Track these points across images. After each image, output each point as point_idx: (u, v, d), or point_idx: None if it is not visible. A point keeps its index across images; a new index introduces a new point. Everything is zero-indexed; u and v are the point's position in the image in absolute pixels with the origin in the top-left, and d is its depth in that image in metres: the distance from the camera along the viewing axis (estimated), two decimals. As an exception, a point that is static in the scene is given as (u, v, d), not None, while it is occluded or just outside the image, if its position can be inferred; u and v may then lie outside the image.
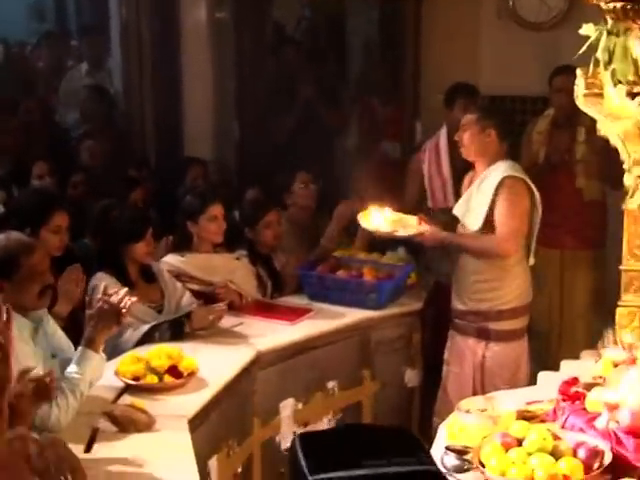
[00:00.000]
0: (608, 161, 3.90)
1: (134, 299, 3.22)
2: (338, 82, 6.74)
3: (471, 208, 4.23)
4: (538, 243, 4.99)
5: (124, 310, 3.13)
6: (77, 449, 2.84)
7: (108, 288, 3.22)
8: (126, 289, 3.23)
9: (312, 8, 7.06)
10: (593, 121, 3.29)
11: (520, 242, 4.24)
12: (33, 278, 3.02)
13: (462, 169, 4.50)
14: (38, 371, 2.85)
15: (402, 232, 4.18)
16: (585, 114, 3.35)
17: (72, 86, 6.63)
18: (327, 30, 6.98)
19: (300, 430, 4.08)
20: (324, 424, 4.20)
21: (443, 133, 5.04)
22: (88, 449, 2.89)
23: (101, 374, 3.19)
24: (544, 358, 4.66)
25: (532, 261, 4.29)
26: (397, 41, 6.06)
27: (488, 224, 4.18)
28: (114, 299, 3.12)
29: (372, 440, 2.52)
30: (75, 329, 3.36)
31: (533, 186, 4.20)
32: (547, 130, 5.05)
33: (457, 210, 4.34)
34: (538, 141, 5.06)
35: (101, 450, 2.88)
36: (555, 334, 5.10)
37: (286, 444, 4.02)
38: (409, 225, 4.20)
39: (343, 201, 5.02)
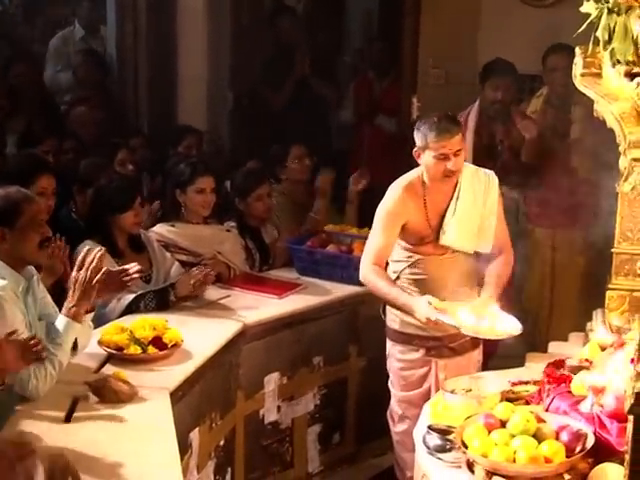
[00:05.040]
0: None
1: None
2: (335, 54, 6.66)
3: (478, 226, 3.63)
4: (532, 223, 5.00)
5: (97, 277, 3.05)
6: (57, 418, 2.84)
7: (88, 256, 3.13)
8: (99, 248, 3.16)
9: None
10: (588, 100, 3.23)
11: None
12: (34, 227, 3.01)
13: (484, 147, 4.34)
14: (24, 333, 2.83)
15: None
16: (580, 93, 3.29)
17: (64, 49, 6.53)
18: (326, 1, 6.89)
19: (285, 404, 4.08)
20: (309, 399, 4.19)
21: (474, 108, 4.90)
22: (68, 419, 2.87)
23: (87, 342, 3.19)
24: (533, 338, 4.63)
25: None
26: (396, 14, 5.98)
27: None
28: (91, 267, 3.06)
29: None
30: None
31: None
32: (541, 109, 4.99)
33: (456, 238, 3.62)
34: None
35: (80, 420, 2.85)
36: (545, 314, 5.08)
37: (270, 418, 4.02)
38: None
39: (322, 171, 4.93)
